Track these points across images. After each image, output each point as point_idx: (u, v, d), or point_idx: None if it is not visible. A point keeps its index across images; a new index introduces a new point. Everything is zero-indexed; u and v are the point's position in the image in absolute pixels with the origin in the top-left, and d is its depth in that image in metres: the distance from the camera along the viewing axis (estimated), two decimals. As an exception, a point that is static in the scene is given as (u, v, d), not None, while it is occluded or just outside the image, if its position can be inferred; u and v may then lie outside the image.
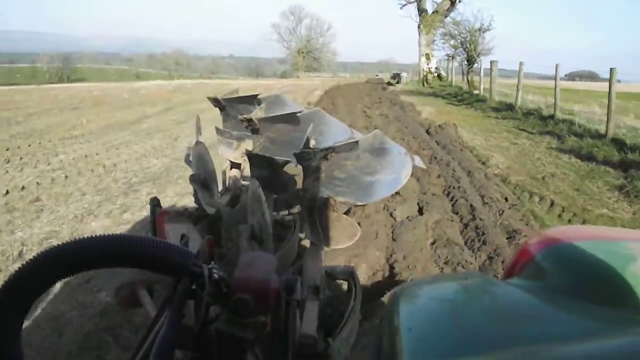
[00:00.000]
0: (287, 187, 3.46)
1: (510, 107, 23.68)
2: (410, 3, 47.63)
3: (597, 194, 10.88)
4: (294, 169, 3.36)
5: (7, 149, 13.89)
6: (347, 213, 3.38)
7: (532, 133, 18.12)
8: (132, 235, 1.33)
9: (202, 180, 3.59)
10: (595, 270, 1.48)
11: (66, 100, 27.23)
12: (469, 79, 39.26)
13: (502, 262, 6.73)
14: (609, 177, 12.07)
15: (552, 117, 19.72)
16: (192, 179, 3.54)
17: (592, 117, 17.71)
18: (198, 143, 3.64)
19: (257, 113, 3.51)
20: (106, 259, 1.29)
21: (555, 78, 20.47)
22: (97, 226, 7.97)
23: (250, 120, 3.46)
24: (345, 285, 3.44)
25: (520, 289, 1.55)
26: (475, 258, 7.00)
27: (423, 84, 41.21)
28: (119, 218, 8.33)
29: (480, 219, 8.24)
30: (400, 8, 48.69)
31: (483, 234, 7.68)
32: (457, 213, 8.87)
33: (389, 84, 43.95)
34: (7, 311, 1.20)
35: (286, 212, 4.10)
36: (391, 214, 8.68)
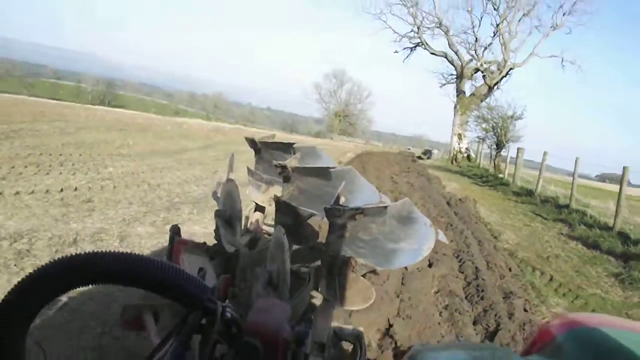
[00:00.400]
0: (309, 240, 3.36)
1: (530, 193, 24.87)
2: (449, 83, 48.00)
3: (595, 277, 11.87)
4: (316, 224, 3.29)
5: (61, 154, 14.93)
6: (363, 276, 3.20)
7: (546, 218, 19.15)
8: (155, 259, 1.29)
9: (227, 217, 3.50)
10: (617, 357, 1.42)
11: (112, 122, 28.09)
12: (496, 162, 40.10)
13: (495, 314, 7.62)
14: (609, 265, 13.02)
15: (567, 206, 20.88)
16: (217, 214, 3.44)
17: (604, 211, 18.49)
18: (229, 180, 3.56)
19: (292, 161, 3.42)
20: (126, 276, 1.24)
21: (574, 171, 22.03)
22: (142, 231, 8.81)
23: (284, 167, 3.37)
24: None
25: None
26: (473, 309, 7.92)
27: (452, 162, 41.65)
28: (161, 228, 9.03)
29: (482, 279, 9.10)
30: (440, 87, 48.95)
31: (482, 291, 8.55)
32: (462, 272, 9.73)
33: (420, 158, 43.95)
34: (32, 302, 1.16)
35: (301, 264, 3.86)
36: (403, 263, 8.84)
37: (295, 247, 3.42)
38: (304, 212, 3.22)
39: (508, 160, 35.81)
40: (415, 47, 49.72)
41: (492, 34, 47.50)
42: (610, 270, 12.49)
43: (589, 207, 20.37)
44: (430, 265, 9.35)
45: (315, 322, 3.03)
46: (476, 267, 9.85)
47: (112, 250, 1.24)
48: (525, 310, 8.17)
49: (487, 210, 19.26)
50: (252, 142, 3.89)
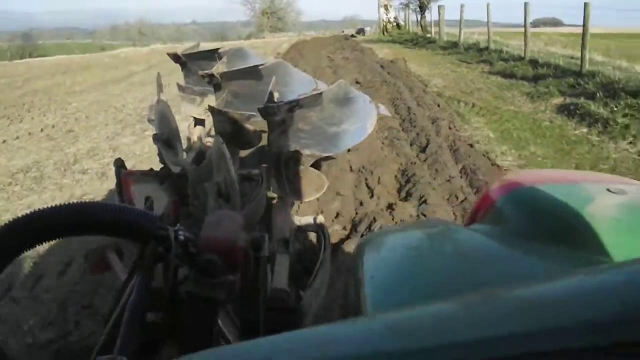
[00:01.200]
0: (252, 142, 3.21)
1: (454, 45, 25.79)
2: None
3: (510, 98, 13.37)
4: (259, 125, 3.09)
5: (24, 104, 14.95)
6: (317, 166, 3.10)
7: (469, 63, 20.41)
8: (94, 202, 1.24)
9: (166, 139, 3.27)
10: (554, 212, 1.41)
11: (53, 67, 26.76)
12: (422, 24, 40.36)
13: (425, 135, 9.16)
14: (522, 87, 14.46)
15: (486, 48, 22.38)
16: (155, 138, 3.20)
17: (520, 47, 19.54)
18: (159, 101, 3.31)
19: (219, 67, 3.19)
20: (69, 227, 1.17)
21: (487, 16, 23.74)
22: (127, 140, 9.57)
23: (211, 75, 3.14)
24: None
25: (482, 234, 1.47)
26: (408, 135, 9.46)
27: (383, 33, 41.37)
28: (141, 135, 9.67)
29: (414, 114, 10.67)
30: None
31: (414, 122, 10.11)
32: (397, 113, 11.06)
33: (353, 36, 43.11)
34: None
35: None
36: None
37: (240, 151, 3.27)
38: (241, 116, 3.02)
39: (432, 20, 36.12)
40: None
41: None
42: (523, 91, 13.89)
43: (507, 46, 22.00)
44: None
45: (275, 220, 2.94)
46: (408, 107, 11.31)
47: (47, 207, 1.16)
48: (449, 128, 9.72)
49: (417, 65, 20.13)
50: (175, 57, 3.57)
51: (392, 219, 5.70)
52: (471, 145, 8.76)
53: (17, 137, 10.73)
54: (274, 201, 3.09)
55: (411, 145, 8.70)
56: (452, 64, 20.64)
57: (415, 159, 7.97)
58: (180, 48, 4.97)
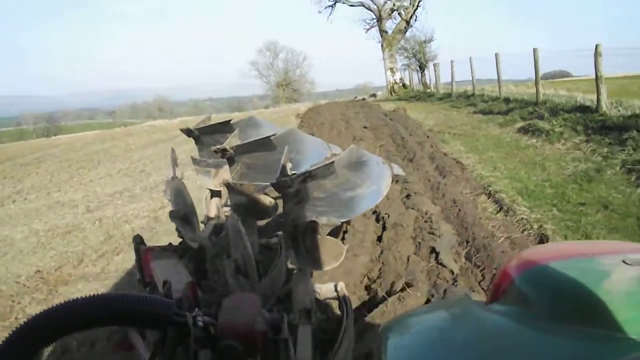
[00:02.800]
0: (269, 212, 2.85)
1: (449, 95, 26.95)
2: (373, 27, 46.35)
3: (485, 127, 15.45)
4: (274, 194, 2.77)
5: (92, 159, 17.76)
6: (335, 233, 2.50)
7: (459, 107, 21.81)
8: (110, 294, 1.11)
9: (182, 215, 2.92)
10: (570, 290, 1.20)
11: (98, 137, 29.08)
12: (423, 82, 40.85)
13: (413, 153, 11.65)
14: (496, 119, 16.18)
15: (473, 95, 23.78)
16: (172, 215, 2.90)
17: (497, 90, 21.36)
18: (174, 178, 3.00)
19: (231, 141, 2.87)
20: (84, 323, 1.03)
21: (471, 68, 24.89)
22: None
23: (224, 150, 2.81)
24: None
25: (503, 316, 1.30)
26: (400, 154, 11.96)
27: (391, 94, 41.27)
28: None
29: (406, 142, 13.30)
30: (366, 32, 47.45)
31: (405, 146, 12.72)
32: (394, 142, 13.69)
33: (364, 99, 43.09)
34: None
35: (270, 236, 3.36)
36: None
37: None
38: (256, 188, 2.69)
39: (430, 76, 37.07)
40: (334, 3, 46.13)
41: None
42: (496, 122, 15.80)
43: (487, 91, 23.60)
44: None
45: (295, 290, 2.53)
46: (402, 137, 13.95)
47: (61, 302, 1.04)
48: (431, 147, 12.61)
49: (416, 113, 21.44)
50: (188, 131, 3.20)
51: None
52: (445, 154, 11.64)
53: (101, 177, 13.49)
54: (294, 271, 2.72)
55: (403, 159, 11.38)
56: (444, 109, 22.38)
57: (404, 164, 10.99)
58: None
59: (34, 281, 6.17)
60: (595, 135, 10.97)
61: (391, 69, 45.06)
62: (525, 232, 6.56)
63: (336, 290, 2.81)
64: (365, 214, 7.66)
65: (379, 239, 6.52)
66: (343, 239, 5.65)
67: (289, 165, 2.52)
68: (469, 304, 1.75)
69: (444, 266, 5.38)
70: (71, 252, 7.27)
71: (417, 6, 43.02)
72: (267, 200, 2.78)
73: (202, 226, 3.18)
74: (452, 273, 5.21)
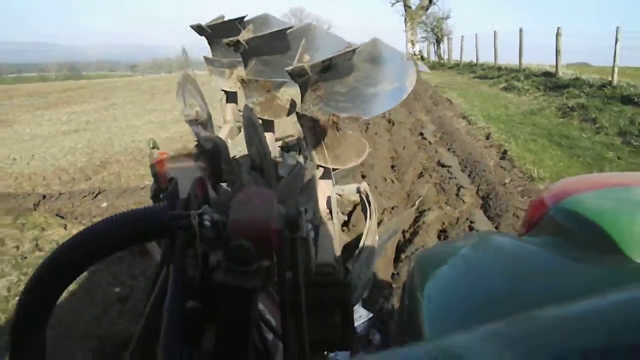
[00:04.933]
0: (287, 109, 2.16)
1: (457, 65, 26.73)
2: (398, 2, 44.28)
3: (477, 86, 17.01)
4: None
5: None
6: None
7: (463, 74, 22.24)
8: (99, 221, 0.83)
9: (195, 114, 2.22)
10: (607, 219, 0.98)
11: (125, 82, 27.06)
12: (438, 54, 39.79)
13: (420, 96, 14.23)
14: (488, 82, 17.48)
15: (476, 65, 23.91)
16: (185, 116, 2.20)
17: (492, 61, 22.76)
18: (186, 76, 2.26)
19: (244, 34, 2.10)
20: (87, 258, 0.81)
21: (475, 43, 24.88)
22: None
23: (237, 42, 2.06)
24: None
25: (537, 246, 1.06)
26: (414, 96, 13.58)
27: None
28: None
29: (415, 89, 10.91)
30: (391, 5, 45.49)
31: (417, 94, 14.41)
32: (413, 94, 13.32)
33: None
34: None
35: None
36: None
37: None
38: (273, 84, 2.08)
39: (443, 50, 37.16)
40: None
41: None
42: (487, 83, 17.35)
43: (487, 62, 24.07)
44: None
45: (316, 189, 1.98)
46: (415, 89, 14.75)
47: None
48: (431, 97, 14.39)
49: (426, 76, 21.41)
50: (199, 29, 2.43)
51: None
52: (440, 96, 14.33)
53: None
54: (315, 170, 2.04)
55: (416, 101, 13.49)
56: (450, 75, 22.48)
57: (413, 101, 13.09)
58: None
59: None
60: (549, 91, 13.19)
61: (412, 41, 43.50)
62: (477, 131, 9.19)
63: (359, 191, 2.13)
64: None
65: (389, 130, 9.53)
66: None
67: (306, 57, 1.81)
68: (504, 235, 1.45)
69: (426, 139, 8.63)
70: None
71: None
72: (284, 97, 2.13)
73: (217, 129, 2.43)
74: (430, 143, 8.32)
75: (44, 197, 5.94)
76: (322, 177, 1.98)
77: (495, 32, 21.31)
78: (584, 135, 8.45)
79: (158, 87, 20.23)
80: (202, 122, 2.18)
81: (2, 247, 4.60)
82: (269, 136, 2.19)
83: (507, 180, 6.09)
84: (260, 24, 2.19)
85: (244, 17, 2.27)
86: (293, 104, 2.09)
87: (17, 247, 4.62)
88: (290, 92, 2.10)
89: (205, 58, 2.49)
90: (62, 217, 5.47)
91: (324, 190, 1.99)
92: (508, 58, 20.88)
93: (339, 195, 2.11)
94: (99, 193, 5.81)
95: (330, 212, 1.89)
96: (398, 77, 1.94)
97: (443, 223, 4.86)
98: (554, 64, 15.01)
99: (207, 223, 0.84)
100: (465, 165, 6.82)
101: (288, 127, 2.82)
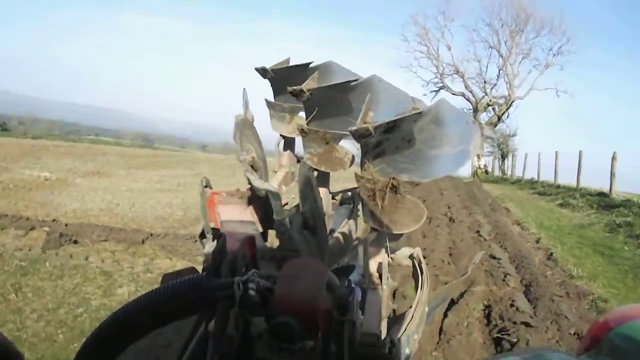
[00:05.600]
0: (345, 164, 1.92)
1: (519, 180, 27.44)
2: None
3: (535, 201, 17.34)
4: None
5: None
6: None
7: (523, 189, 22.49)
8: (140, 297, 0.78)
9: (250, 160, 1.98)
10: None
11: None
12: (502, 169, 39.84)
13: (483, 210, 13.20)
14: (546, 198, 18.04)
15: (537, 181, 24.42)
16: (240, 160, 1.94)
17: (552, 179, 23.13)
18: (244, 120, 2.03)
19: (309, 83, 1.89)
20: (123, 339, 0.76)
21: (537, 167, 25.82)
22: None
23: (300, 90, 1.85)
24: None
25: None
26: (477, 204, 14.50)
27: (474, 177, 38.07)
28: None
29: (479, 199, 15.73)
30: None
31: (478, 202, 15.05)
32: (476, 203, 14.86)
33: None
34: None
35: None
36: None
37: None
38: (333, 136, 1.86)
39: (507, 166, 37.72)
40: (439, 90, 43.63)
41: (497, 75, 42.32)
42: (545, 199, 17.80)
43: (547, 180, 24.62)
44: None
45: (367, 251, 1.68)
46: (476, 196, 16.68)
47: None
48: (491, 205, 14.63)
49: (488, 187, 22.44)
50: (263, 71, 2.22)
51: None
52: (499, 205, 14.90)
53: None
54: (368, 231, 1.84)
55: (474, 205, 13.95)
56: (512, 189, 22.76)
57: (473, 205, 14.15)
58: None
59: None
60: (601, 209, 13.62)
61: (478, 155, 43.38)
62: (528, 236, 9.75)
63: (412, 257, 1.88)
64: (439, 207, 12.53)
65: (449, 226, 9.83)
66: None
67: (370, 114, 1.59)
68: (557, 352, 1.13)
69: (482, 236, 9.08)
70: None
71: (510, 105, 41.21)
72: (342, 150, 1.88)
73: (272, 174, 2.21)
74: (485, 239, 8.87)
75: (151, 234, 6.88)
76: (374, 240, 1.73)
77: (557, 153, 21.63)
78: (626, 248, 9.09)
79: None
80: (257, 169, 1.99)
81: (119, 267, 5.63)
82: (323, 190, 1.96)
83: (548, 273, 6.72)
84: (325, 72, 1.99)
85: (310, 63, 2.09)
86: (352, 158, 1.87)
87: (132, 268, 5.55)
88: (350, 145, 1.89)
89: (267, 101, 2.27)
90: (168, 252, 6.26)
91: (376, 254, 1.72)
92: (568, 178, 20.90)
93: (391, 258, 1.85)
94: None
95: (380, 278, 1.63)
96: (462, 140, 1.65)
97: (489, 299, 5.34)
98: (610, 186, 15.61)
99: (252, 292, 0.74)
100: (513, 260, 7.39)
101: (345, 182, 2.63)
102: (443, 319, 4.57)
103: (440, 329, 4.37)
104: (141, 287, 4.97)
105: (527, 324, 4.50)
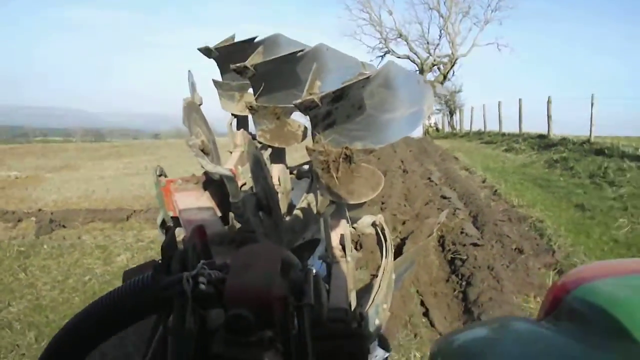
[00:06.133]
0: (298, 137, 1.76)
1: (467, 134, 26.95)
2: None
3: (482, 149, 17.24)
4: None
5: None
6: None
7: (472, 141, 22.24)
8: (91, 305, 0.73)
9: (200, 144, 1.84)
10: (626, 306, 0.88)
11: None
12: (451, 125, 38.52)
13: (430, 154, 15.40)
14: (492, 146, 17.97)
15: (483, 132, 24.13)
16: (190, 145, 1.78)
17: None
18: (191, 103, 1.88)
19: (254, 58, 1.72)
20: (80, 349, 0.71)
21: (483, 120, 25.51)
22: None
23: (244, 67, 1.67)
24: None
25: (553, 332, 0.94)
26: (424, 154, 15.50)
27: (425, 135, 37.84)
28: None
29: (430, 157, 14.98)
30: None
31: (429, 153, 16.09)
32: (424, 151, 16.72)
33: (404, 137, 41.67)
34: None
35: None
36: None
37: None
38: (283, 110, 1.68)
39: (456, 121, 37.02)
40: (384, 54, 42.00)
41: (439, 35, 41.34)
42: (491, 147, 17.73)
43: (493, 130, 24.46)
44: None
45: (329, 225, 1.53)
46: (426, 150, 16.96)
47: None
48: (441, 156, 14.77)
49: (439, 142, 22.15)
50: (206, 51, 2.06)
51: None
52: (448, 154, 15.03)
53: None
54: (326, 205, 1.61)
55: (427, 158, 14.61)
56: (461, 142, 22.20)
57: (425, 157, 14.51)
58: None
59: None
60: (541, 149, 13.85)
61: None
62: (475, 178, 10.04)
63: (374, 224, 1.77)
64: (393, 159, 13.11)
65: (402, 177, 10.02)
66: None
67: (317, 84, 1.45)
68: (520, 320, 1.31)
69: (433, 181, 9.52)
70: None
71: (454, 64, 40.38)
72: (295, 124, 1.74)
73: (227, 155, 2.04)
74: (436, 184, 9.19)
75: (134, 211, 7.09)
76: (334, 212, 1.58)
77: (499, 103, 21.65)
78: (561, 179, 9.63)
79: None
80: (208, 152, 1.82)
81: (111, 240, 5.86)
82: (279, 166, 1.83)
83: (492, 205, 7.29)
84: (271, 45, 1.81)
85: (254, 38, 1.90)
86: (305, 130, 1.73)
87: (124, 240, 5.84)
88: (303, 118, 1.72)
89: (214, 81, 2.09)
90: (153, 224, 6.27)
91: (337, 226, 1.60)
92: (513, 126, 20.75)
93: (353, 228, 1.73)
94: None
95: (344, 250, 1.51)
96: (415, 101, 1.52)
97: (442, 230, 5.65)
98: (548, 127, 16.01)
99: (203, 286, 0.68)
100: (462, 198, 7.85)
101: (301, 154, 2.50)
102: (402, 245, 5.02)
103: (402, 252, 4.58)
104: (137, 254, 5.27)
105: (475, 244, 4.99)
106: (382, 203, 6.88)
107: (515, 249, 4.97)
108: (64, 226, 6.62)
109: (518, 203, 7.31)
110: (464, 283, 4.07)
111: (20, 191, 10.16)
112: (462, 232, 5.46)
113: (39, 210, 7.67)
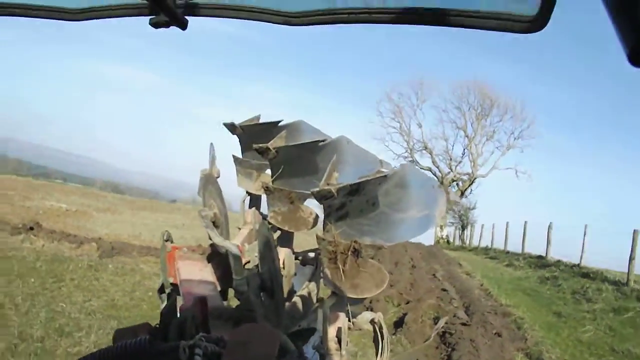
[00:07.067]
0: (308, 224, 1.56)
1: (476, 248, 26.44)
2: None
3: (485, 262, 16.75)
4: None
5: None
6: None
7: (478, 254, 21.76)
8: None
9: (212, 216, 1.71)
10: None
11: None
12: (462, 238, 37.04)
13: (439, 261, 14.58)
14: (495, 260, 17.61)
15: (490, 248, 23.53)
16: (202, 215, 1.66)
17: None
18: (209, 176, 1.76)
19: (277, 141, 1.62)
20: None
21: (491, 236, 25.47)
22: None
23: (266, 148, 1.57)
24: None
25: None
26: (437, 260, 14.47)
27: (435, 244, 36.95)
28: None
29: (437, 260, 14.74)
30: None
31: (438, 257, 15.32)
32: (434, 258, 15.23)
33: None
34: None
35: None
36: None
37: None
38: (297, 196, 1.53)
39: (466, 235, 35.75)
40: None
41: (462, 153, 40.52)
42: (494, 262, 17.16)
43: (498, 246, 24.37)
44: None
45: (327, 316, 1.33)
46: (437, 256, 16.21)
47: None
48: (447, 260, 15.14)
49: (448, 253, 21.79)
50: (231, 127, 1.90)
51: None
52: (454, 260, 15.22)
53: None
54: (327, 295, 1.45)
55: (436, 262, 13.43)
56: (467, 255, 22.20)
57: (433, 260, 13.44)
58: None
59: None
60: (537, 268, 13.98)
61: (441, 226, 41.28)
62: (474, 282, 10.13)
63: (373, 322, 1.56)
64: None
65: (411, 271, 10.17)
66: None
67: (335, 175, 1.35)
68: None
69: (437, 277, 9.65)
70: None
71: (472, 182, 39.62)
72: (307, 210, 1.59)
73: (236, 231, 1.86)
74: (439, 280, 9.26)
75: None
76: (335, 304, 1.42)
77: (507, 224, 22.21)
78: (548, 292, 10.26)
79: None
80: (219, 225, 1.67)
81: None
82: (286, 250, 1.67)
83: (483, 300, 7.80)
84: (294, 131, 1.71)
85: (280, 121, 1.81)
86: (316, 218, 1.58)
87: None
88: (314, 205, 1.58)
89: (234, 157, 1.98)
90: None
91: (336, 318, 1.43)
92: (519, 246, 20.38)
93: (352, 323, 1.53)
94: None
95: (340, 343, 1.34)
96: (428, 205, 1.40)
97: (438, 312, 6.30)
98: (546, 250, 16.49)
99: (199, 358, 0.60)
100: (458, 292, 8.34)
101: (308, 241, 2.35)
102: (404, 317, 5.91)
103: (404, 322, 5.58)
104: (141, 278, 5.74)
105: (463, 324, 5.72)
106: (391, 286, 7.64)
107: (495, 333, 5.77)
108: (121, 254, 7.21)
109: (505, 302, 8.13)
110: (449, 350, 4.72)
111: (74, 221, 10.48)
112: (454, 316, 6.18)
113: (99, 238, 8.15)
